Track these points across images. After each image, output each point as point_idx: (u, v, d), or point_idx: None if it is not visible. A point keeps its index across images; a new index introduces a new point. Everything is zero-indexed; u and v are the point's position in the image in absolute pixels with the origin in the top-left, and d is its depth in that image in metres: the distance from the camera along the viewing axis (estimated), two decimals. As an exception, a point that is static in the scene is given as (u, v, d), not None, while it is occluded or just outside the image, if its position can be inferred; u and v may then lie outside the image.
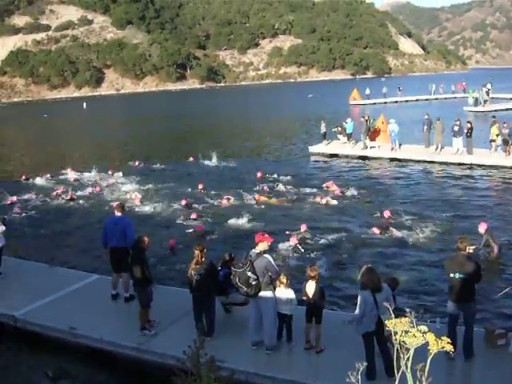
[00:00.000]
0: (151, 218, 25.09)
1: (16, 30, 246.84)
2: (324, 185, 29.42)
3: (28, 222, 25.02)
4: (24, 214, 26.22)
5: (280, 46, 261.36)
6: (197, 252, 11.74)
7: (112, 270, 14.12)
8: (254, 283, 10.81)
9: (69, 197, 29.17)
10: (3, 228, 15.86)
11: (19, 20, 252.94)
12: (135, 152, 46.09)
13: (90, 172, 36.34)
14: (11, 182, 35.64)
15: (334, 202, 26.22)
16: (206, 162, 38.68)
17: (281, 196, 28.01)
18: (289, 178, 31.63)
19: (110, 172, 36.01)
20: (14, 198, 29.25)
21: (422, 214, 23.77)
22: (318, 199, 26.57)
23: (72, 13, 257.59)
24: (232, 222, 23.33)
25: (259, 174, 32.49)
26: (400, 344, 5.09)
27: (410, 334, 5.07)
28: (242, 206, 26.31)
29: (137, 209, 26.54)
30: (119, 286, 13.98)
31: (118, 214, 14.02)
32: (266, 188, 29.40)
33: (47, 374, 11.54)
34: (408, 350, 5.09)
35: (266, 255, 11.15)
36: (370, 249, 19.32)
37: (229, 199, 27.03)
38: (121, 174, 35.17)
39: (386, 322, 5.26)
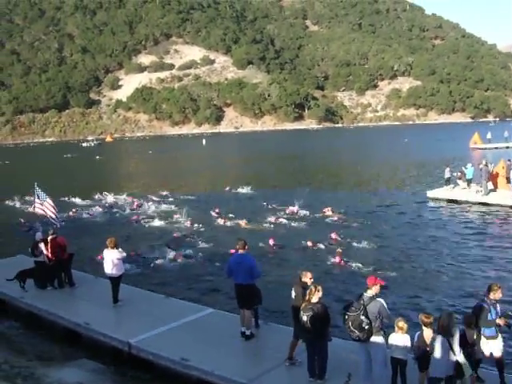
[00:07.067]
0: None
1: (142, 69, 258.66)
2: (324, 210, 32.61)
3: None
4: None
5: (399, 87, 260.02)
6: (308, 290, 11.38)
7: (238, 306, 14.03)
8: (366, 327, 10.53)
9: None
10: (124, 255, 16.26)
11: (145, 59, 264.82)
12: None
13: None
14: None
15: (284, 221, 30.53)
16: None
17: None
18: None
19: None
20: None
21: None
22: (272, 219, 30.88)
23: (195, 53, 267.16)
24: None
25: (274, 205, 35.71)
26: None
27: None
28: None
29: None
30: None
31: (240, 251, 13.70)
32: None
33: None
34: None
35: (379, 299, 10.83)
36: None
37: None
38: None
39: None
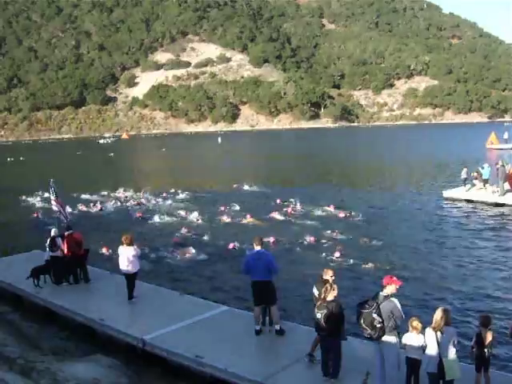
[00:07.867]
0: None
1: (158, 66, 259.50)
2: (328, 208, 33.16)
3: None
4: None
5: (415, 86, 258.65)
6: (323, 289, 11.34)
7: (254, 303, 14.00)
8: (378, 326, 10.44)
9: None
10: (139, 251, 16.31)
11: (162, 56, 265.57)
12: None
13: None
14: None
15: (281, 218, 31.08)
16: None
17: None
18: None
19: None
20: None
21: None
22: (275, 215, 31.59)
23: (211, 51, 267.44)
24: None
25: (278, 201, 36.32)
26: None
27: None
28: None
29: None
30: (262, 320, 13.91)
31: (257, 247, 13.58)
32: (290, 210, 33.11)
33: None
34: None
35: (393, 299, 10.73)
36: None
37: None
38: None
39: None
